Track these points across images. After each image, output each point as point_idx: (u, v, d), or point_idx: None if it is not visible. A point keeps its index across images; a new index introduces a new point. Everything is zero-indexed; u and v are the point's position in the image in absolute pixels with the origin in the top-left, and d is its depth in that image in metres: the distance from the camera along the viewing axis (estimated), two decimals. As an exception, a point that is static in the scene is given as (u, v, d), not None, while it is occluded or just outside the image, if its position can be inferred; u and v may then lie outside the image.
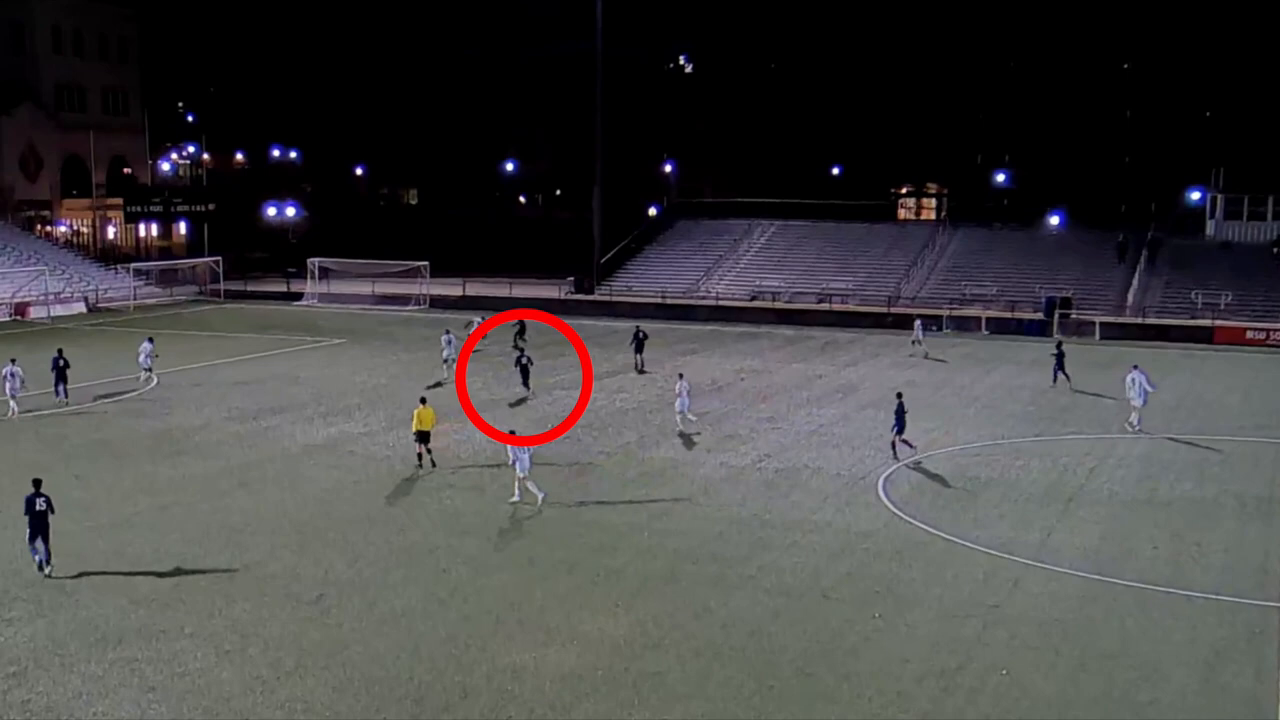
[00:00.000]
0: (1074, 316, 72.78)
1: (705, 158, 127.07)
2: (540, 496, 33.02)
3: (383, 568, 27.91)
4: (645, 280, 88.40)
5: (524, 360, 51.25)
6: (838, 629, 24.46)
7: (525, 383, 50.24)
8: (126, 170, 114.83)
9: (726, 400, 49.13)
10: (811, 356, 61.25)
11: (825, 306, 78.32)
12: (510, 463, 33.72)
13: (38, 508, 27.52)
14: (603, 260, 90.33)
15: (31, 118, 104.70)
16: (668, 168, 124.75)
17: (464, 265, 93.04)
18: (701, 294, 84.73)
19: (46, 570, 27.30)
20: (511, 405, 47.54)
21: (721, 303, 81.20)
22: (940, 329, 71.59)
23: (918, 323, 65.34)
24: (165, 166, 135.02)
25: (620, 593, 26.39)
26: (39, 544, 27.41)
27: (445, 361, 54.33)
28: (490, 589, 26.60)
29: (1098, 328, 70.88)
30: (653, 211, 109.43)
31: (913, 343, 63.55)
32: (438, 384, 51.68)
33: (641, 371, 56.47)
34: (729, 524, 31.55)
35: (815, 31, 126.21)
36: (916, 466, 37.79)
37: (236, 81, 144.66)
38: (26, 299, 79.78)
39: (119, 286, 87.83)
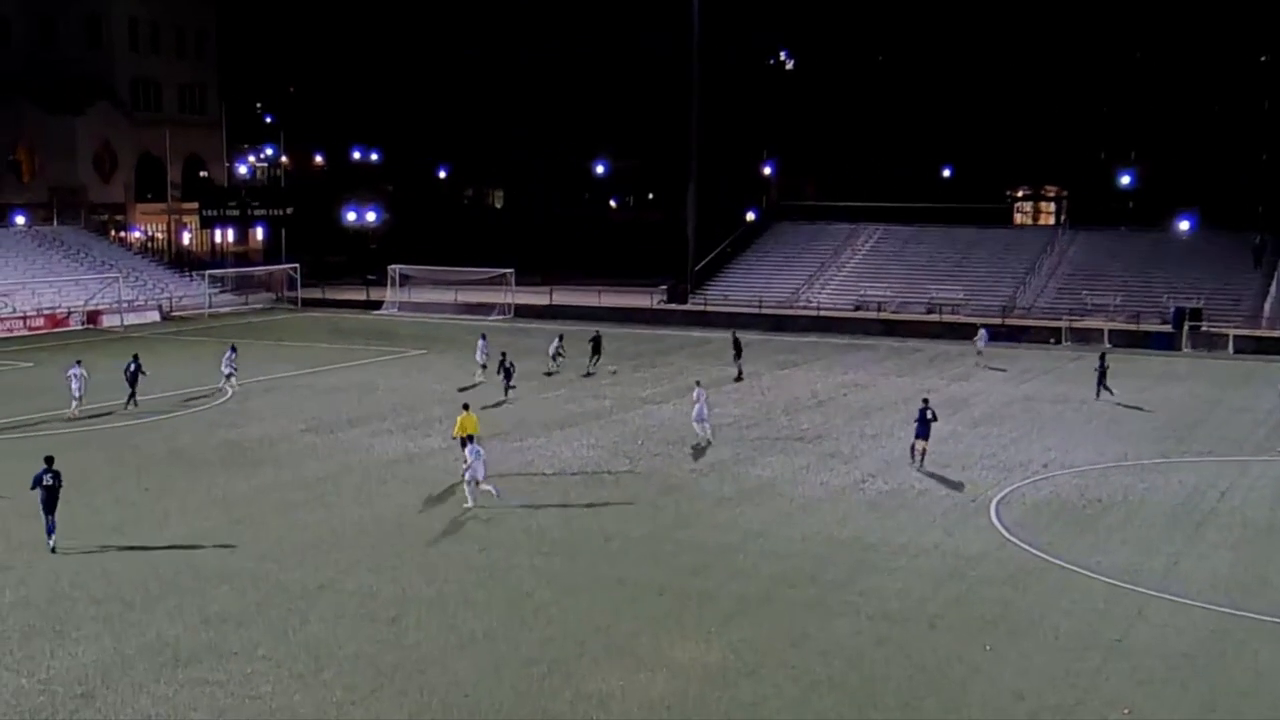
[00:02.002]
0: (1205, 328, 71.46)
1: (807, 157, 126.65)
2: (492, 492, 34.60)
3: (463, 587, 28.10)
4: (742, 288, 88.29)
5: (508, 364, 52.23)
6: (944, 659, 24.18)
7: (507, 388, 51.77)
8: (203, 172, 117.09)
9: (828, 416, 48.91)
10: (918, 370, 60.77)
11: (934, 317, 77.70)
12: (465, 470, 34.76)
13: (46, 482, 30.40)
14: (697, 267, 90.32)
15: (106, 116, 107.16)
16: (767, 168, 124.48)
17: (551, 271, 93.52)
18: (802, 303, 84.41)
19: (50, 543, 30.12)
20: (487, 407, 47.71)
21: (823, 312, 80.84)
22: (1058, 342, 70.72)
23: (982, 331, 65.64)
24: (242, 168, 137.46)
25: (713, 617, 26.33)
26: (51, 520, 30.22)
27: (483, 367, 56.03)
28: (575, 611, 26.67)
29: (1231, 340, 69.53)
30: (751, 215, 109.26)
31: (978, 352, 63.88)
32: (471, 386, 53.69)
33: (740, 379, 57.08)
34: (829, 546, 31.37)
35: (925, 21, 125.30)
36: (1033, 487, 37.35)
37: (316, 79, 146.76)
38: (99, 306, 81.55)
39: (194, 294, 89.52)
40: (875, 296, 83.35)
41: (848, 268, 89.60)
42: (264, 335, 74.26)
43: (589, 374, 58.14)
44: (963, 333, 71.55)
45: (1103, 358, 54.60)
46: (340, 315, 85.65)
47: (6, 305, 78.49)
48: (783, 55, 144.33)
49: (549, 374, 55.99)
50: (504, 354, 54.05)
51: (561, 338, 61.19)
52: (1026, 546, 31.38)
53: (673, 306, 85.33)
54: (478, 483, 34.77)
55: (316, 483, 37.74)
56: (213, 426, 46.15)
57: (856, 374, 59.97)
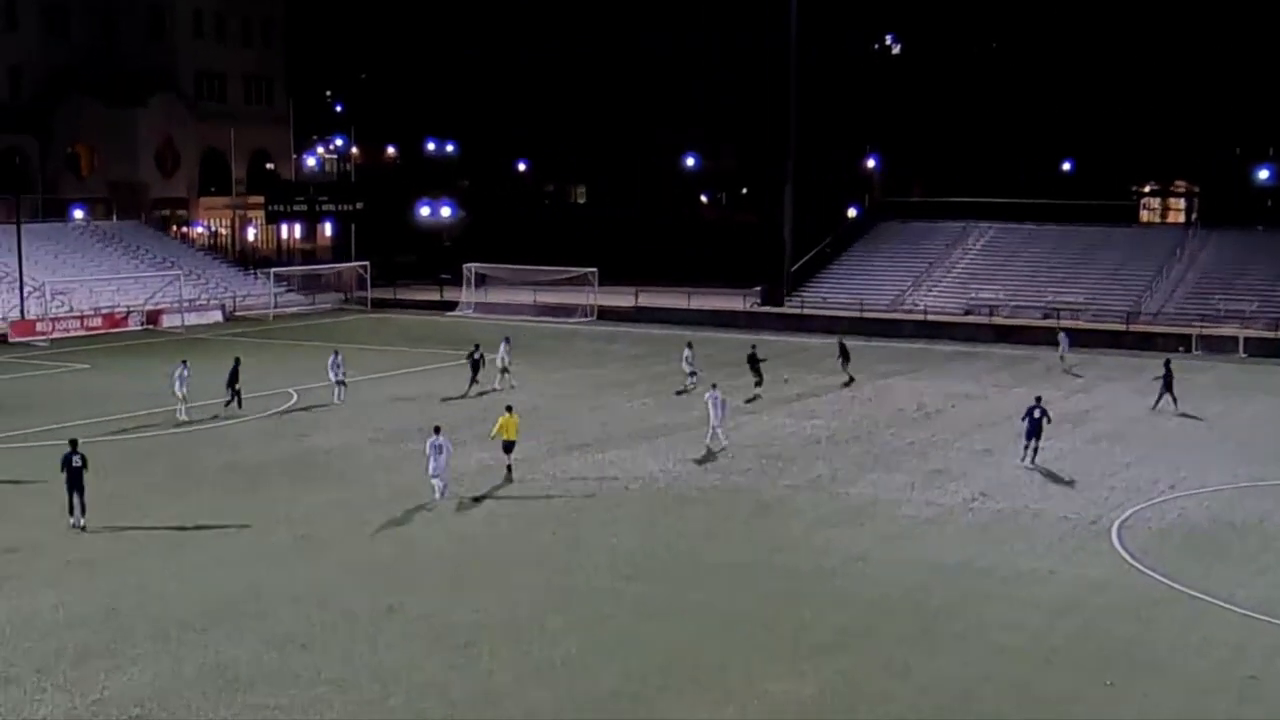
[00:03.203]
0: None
1: (914, 151, 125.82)
2: (439, 488, 36.95)
3: (540, 611, 28.15)
4: (842, 291, 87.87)
5: (477, 357, 54.93)
6: (1061, 697, 23.88)
7: (473, 379, 54.93)
8: (269, 166, 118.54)
9: (935, 429, 48.54)
10: (1035, 380, 60.08)
11: (1051, 322, 76.79)
12: (431, 467, 36.79)
13: (74, 464, 34.01)
14: (794, 268, 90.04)
15: (169, 109, 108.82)
16: (870, 163, 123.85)
17: (637, 272, 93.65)
18: (907, 307, 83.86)
19: (81, 522, 33.70)
20: (444, 400, 48.01)
21: (930, 317, 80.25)
22: (1188, 350, 69.68)
23: (1063, 335, 66.20)
24: (310, 161, 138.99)
25: (808, 648, 26.18)
26: (76, 498, 33.84)
27: (504, 371, 56.96)
28: (660, 639, 26.62)
29: (1381, 350, 68.20)
30: (852, 212, 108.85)
31: (1060, 358, 63.95)
32: (483, 392, 54.96)
33: (848, 384, 57.93)
34: (935, 572, 31.10)
35: (1045, 2, 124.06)
36: (1159, 510, 36.79)
37: (389, 68, 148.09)
38: (160, 306, 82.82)
39: (258, 293, 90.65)
40: (987, 300, 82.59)
41: (957, 269, 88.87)
42: (331, 338, 74.85)
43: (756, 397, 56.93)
44: (1084, 340, 70.73)
45: (1168, 364, 54.19)
46: (412, 317, 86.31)
47: (64, 304, 79.95)
48: (888, 41, 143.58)
49: (681, 392, 55.74)
50: (475, 346, 56.44)
51: (691, 346, 60.17)
52: (1153, 574, 30.92)
53: (767, 310, 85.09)
54: (436, 476, 37.01)
55: (386, 497, 38.00)
56: (276, 437, 46.67)
57: (966, 384, 59.46)
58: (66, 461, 34.27)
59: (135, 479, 40.18)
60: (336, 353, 54.62)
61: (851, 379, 58.89)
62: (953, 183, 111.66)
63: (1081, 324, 76.64)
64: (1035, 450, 42.25)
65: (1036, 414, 42.31)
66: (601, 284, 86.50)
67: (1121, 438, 47.17)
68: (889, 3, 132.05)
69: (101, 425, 48.37)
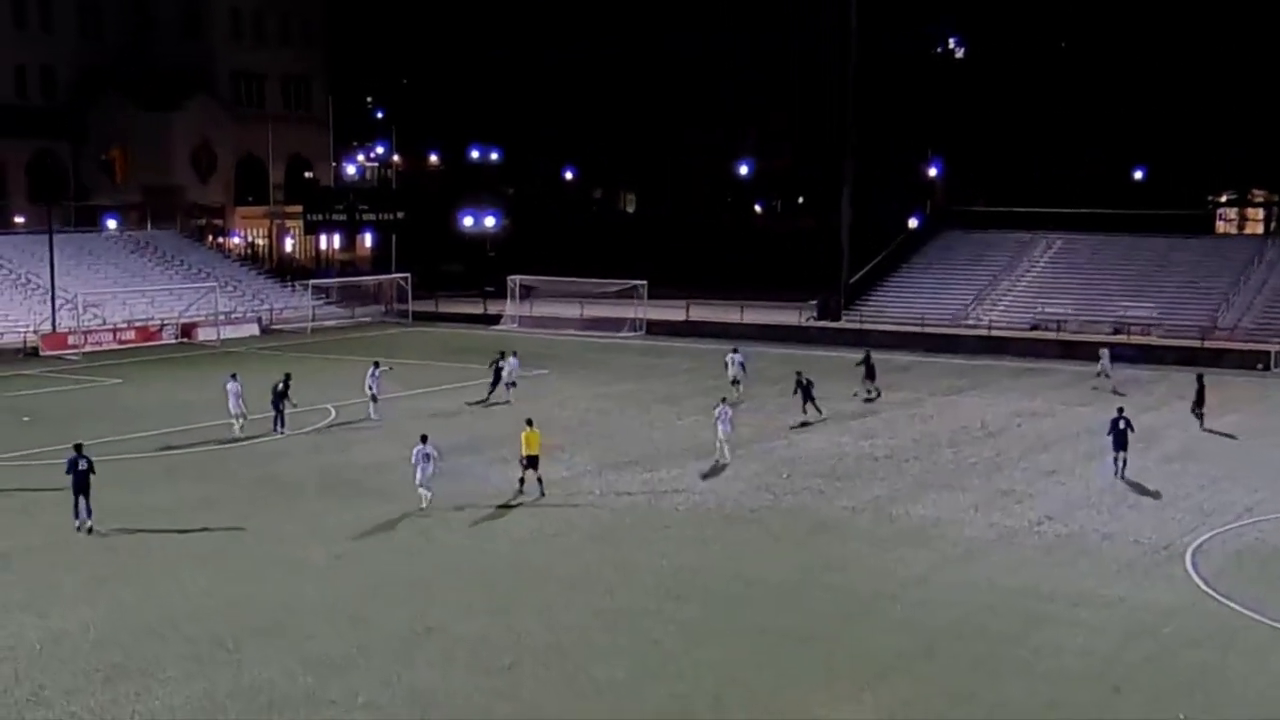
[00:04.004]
0: None
1: (978, 158, 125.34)
2: (427, 497, 38.19)
3: (585, 634, 28.19)
4: (902, 304, 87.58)
5: (500, 364, 56.82)
6: (1132, 728, 23.74)
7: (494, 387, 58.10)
8: (307, 173, 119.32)
9: (999, 448, 48.32)
10: (1104, 398, 59.69)
11: (1121, 338, 76.29)
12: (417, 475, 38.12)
13: (80, 467, 35.67)
14: (852, 280, 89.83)
15: (205, 111, 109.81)
16: (932, 170, 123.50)
17: (688, 284, 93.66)
18: (970, 321, 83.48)
19: (89, 525, 35.29)
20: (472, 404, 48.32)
21: (994, 332, 79.84)
22: (1266, 368, 69.09)
23: (1104, 351, 65.22)
24: (350, 169, 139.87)
25: (866, 673, 26.12)
26: (82, 502, 35.43)
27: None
28: (710, 663, 26.60)
29: None
30: (913, 222, 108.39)
31: (1098, 375, 63.35)
32: (479, 402, 57.25)
33: (868, 399, 58.07)
34: (999, 596, 30.96)
35: (1115, 2, 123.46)
36: (1235, 534, 36.47)
37: (432, 70, 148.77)
38: (194, 318, 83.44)
39: (296, 306, 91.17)
40: (1054, 314, 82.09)
41: (1023, 281, 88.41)
42: (371, 352, 75.17)
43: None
44: (1156, 356, 70.16)
45: (1200, 379, 53.98)
46: (454, 330, 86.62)
47: (96, 316, 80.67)
48: (952, 43, 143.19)
49: (732, 402, 55.54)
50: (500, 353, 58.36)
51: (736, 350, 61.19)
52: (1227, 601, 30.66)
53: (824, 324, 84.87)
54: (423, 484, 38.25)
55: (425, 514, 38.14)
56: (314, 452, 46.94)
57: (1032, 401, 59.16)
58: (73, 465, 35.98)
59: (169, 494, 40.51)
60: (376, 365, 54.97)
61: (878, 393, 58.74)
62: (1018, 191, 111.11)
63: (1153, 339, 76.11)
64: (1124, 462, 43.12)
65: (1121, 425, 43.10)
66: (651, 296, 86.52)
67: (1195, 458, 46.79)
68: (952, 6, 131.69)
69: (135, 440, 48.86)
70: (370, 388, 53.61)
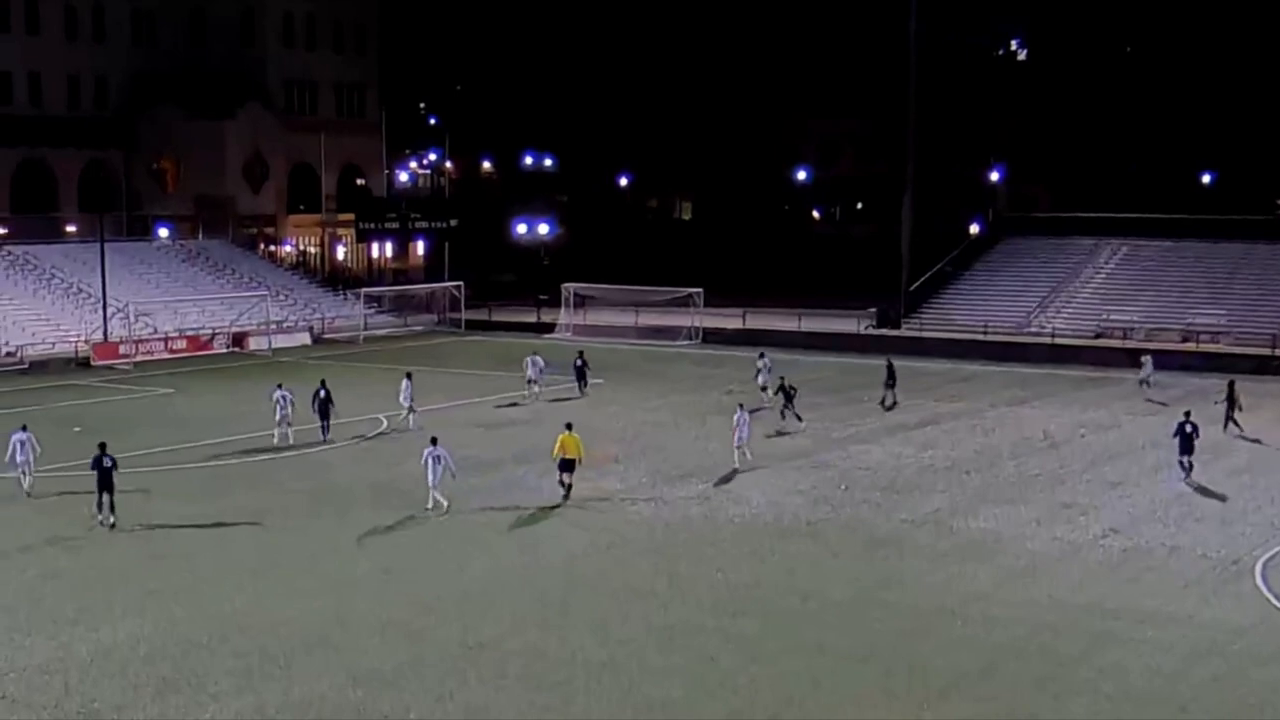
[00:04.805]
0: None
1: (1041, 162, 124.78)
2: (444, 505, 39.48)
3: (639, 649, 28.17)
4: (964, 312, 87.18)
5: (579, 364, 58.89)
6: (1200, 749, 23.53)
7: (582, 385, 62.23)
8: (360, 181, 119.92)
9: (1063, 460, 48.00)
10: (1170, 408, 59.20)
11: (1190, 346, 75.75)
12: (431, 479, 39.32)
13: (104, 465, 37.67)
14: (912, 287, 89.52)
15: (257, 119, 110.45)
16: (994, 175, 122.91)
17: (745, 291, 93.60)
18: (1034, 329, 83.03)
19: (111, 520, 37.31)
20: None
21: (1058, 340, 79.41)
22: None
23: (1146, 358, 64.87)
24: (403, 176, 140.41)
25: (926, 691, 25.98)
26: (105, 498, 37.53)
27: (529, 382, 60.92)
28: (767, 680, 26.53)
29: None
30: (975, 228, 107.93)
31: (1140, 383, 63.22)
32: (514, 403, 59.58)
33: (889, 407, 58.37)
34: (1062, 612, 30.73)
35: (1181, 4, 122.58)
36: (1306, 548, 36.10)
37: (485, 77, 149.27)
38: (246, 327, 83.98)
39: (348, 315, 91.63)
40: (1120, 322, 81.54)
41: (1088, 288, 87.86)
42: (424, 361, 75.52)
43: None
44: (1224, 364, 69.56)
45: (1231, 386, 53.73)
46: (508, 340, 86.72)
47: (148, 325, 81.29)
48: (1014, 45, 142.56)
49: (754, 411, 55.60)
50: (580, 353, 62.06)
51: (763, 355, 61.92)
52: (1299, 618, 30.38)
53: (884, 332, 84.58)
54: (435, 487, 39.48)
55: (478, 527, 38.29)
56: (365, 463, 47.13)
57: (1097, 412, 58.76)
58: (98, 463, 37.90)
59: (220, 505, 40.76)
60: (409, 376, 55.45)
61: (895, 403, 58.95)
62: (1083, 196, 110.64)
63: (1223, 347, 75.48)
64: (1191, 465, 44.23)
65: (1188, 429, 44.38)
66: (707, 304, 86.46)
67: (1264, 470, 46.33)
68: (1015, 6, 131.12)
69: (186, 450, 49.23)
70: (405, 399, 54.02)
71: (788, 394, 54.32)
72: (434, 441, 40.07)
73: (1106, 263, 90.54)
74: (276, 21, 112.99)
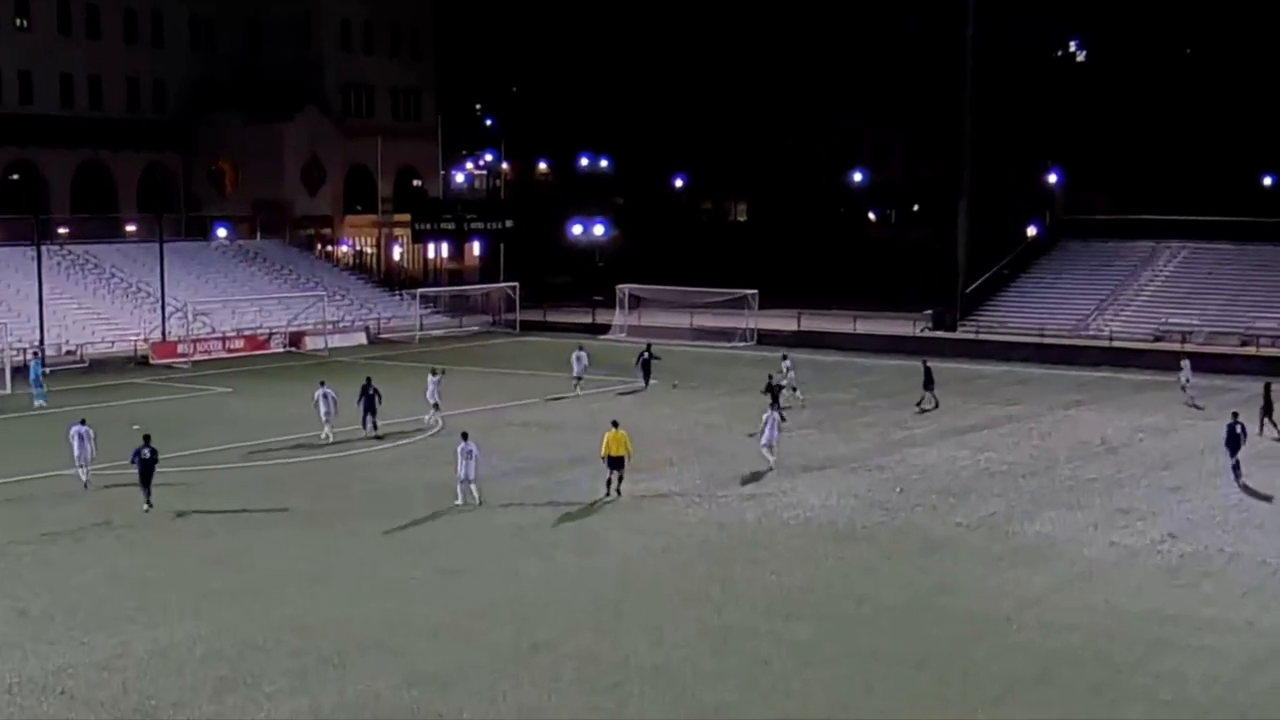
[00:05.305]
0: None
1: (1099, 165, 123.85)
2: (476, 499, 40.36)
3: (693, 653, 28.16)
4: (1021, 315, 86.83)
5: (371, 391, 52.63)
6: (1258, 758, 23.31)
7: (646, 378, 63.60)
8: (416, 182, 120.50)
9: (1120, 464, 47.66)
10: (1207, 412, 58.83)
11: (1250, 350, 75.13)
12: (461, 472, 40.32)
13: (144, 456, 39.67)
14: (968, 290, 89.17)
15: (315, 123, 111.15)
16: (1052, 177, 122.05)
17: (800, 294, 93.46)
18: (1091, 333, 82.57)
19: (146, 508, 39.28)
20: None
21: (1116, 343, 78.90)
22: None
23: (1185, 363, 64.27)
24: (459, 178, 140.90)
25: (980, 697, 25.86)
26: (145, 487, 39.47)
27: (577, 378, 62.69)
28: (820, 685, 26.48)
29: None
30: (1031, 231, 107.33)
31: (1181, 388, 62.58)
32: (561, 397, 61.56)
33: (924, 410, 58.25)
34: (1118, 618, 30.52)
35: (1242, 6, 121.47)
36: (1368, 556, 35.71)
37: (542, 79, 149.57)
38: (303, 327, 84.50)
39: (403, 315, 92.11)
40: (1179, 325, 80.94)
41: (1147, 292, 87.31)
42: (478, 362, 75.90)
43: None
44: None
45: (1268, 389, 53.47)
46: (562, 341, 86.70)
47: (205, 325, 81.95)
48: (1072, 47, 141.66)
49: (783, 409, 55.66)
50: (648, 345, 64.14)
51: (786, 357, 63.17)
52: (1360, 626, 30.06)
53: (939, 335, 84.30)
54: (469, 481, 40.42)
55: (532, 529, 38.36)
56: (420, 464, 47.30)
57: (1155, 416, 58.31)
58: (137, 454, 39.96)
59: (276, 505, 41.04)
60: (433, 371, 56.28)
61: (936, 405, 58.88)
62: (1141, 199, 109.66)
63: (1281, 351, 74.96)
64: (1239, 466, 44.71)
65: (1237, 429, 44.99)
66: (762, 306, 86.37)
67: (1327, 476, 45.93)
68: (1074, 5, 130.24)
69: (243, 450, 49.60)
70: (432, 395, 54.53)
71: (774, 391, 54.95)
72: (465, 436, 41.00)
73: (1165, 266, 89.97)
74: (333, 26, 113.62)
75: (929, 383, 59.58)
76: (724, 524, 38.88)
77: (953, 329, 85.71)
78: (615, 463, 41.49)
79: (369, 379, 53.95)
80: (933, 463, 47.75)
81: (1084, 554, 35.95)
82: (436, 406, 54.58)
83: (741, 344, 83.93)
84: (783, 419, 51.53)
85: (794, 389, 60.03)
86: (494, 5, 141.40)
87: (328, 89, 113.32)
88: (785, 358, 62.95)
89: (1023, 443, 51.94)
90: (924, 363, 61.56)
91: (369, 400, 52.12)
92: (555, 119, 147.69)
